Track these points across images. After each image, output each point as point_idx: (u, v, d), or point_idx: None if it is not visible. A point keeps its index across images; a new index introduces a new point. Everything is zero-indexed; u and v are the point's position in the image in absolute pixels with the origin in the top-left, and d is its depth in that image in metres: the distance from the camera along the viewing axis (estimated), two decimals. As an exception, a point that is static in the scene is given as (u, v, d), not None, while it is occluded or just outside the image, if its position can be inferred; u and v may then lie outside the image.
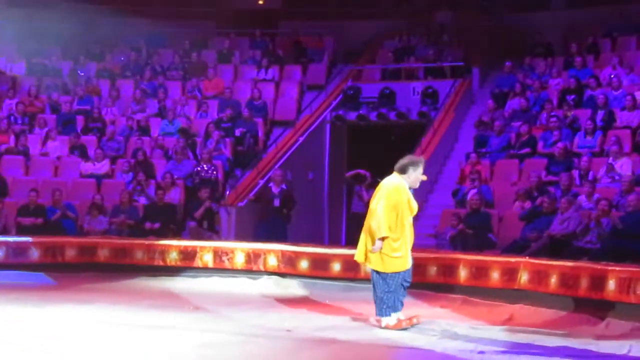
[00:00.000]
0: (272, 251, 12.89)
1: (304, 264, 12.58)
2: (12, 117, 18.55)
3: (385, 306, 8.83)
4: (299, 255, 12.67)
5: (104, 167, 17.23)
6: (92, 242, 14.06)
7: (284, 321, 9.20)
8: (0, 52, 20.89)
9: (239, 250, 13.18)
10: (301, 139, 18.70)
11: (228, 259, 13.18)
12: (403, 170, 9.07)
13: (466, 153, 16.83)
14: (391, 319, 8.81)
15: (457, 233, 13.80)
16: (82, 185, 16.90)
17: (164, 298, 11.16)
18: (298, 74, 21.37)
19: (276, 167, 17.26)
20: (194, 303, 10.62)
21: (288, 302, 11.11)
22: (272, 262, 12.87)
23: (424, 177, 9.20)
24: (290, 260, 12.70)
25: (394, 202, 8.85)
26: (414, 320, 8.91)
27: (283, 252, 12.81)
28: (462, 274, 11.25)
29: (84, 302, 10.47)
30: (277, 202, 15.57)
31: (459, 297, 11.09)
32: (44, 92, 20.01)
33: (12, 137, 17.89)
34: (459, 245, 13.51)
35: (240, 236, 15.54)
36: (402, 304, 8.96)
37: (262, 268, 12.95)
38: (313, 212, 19.00)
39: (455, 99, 19.32)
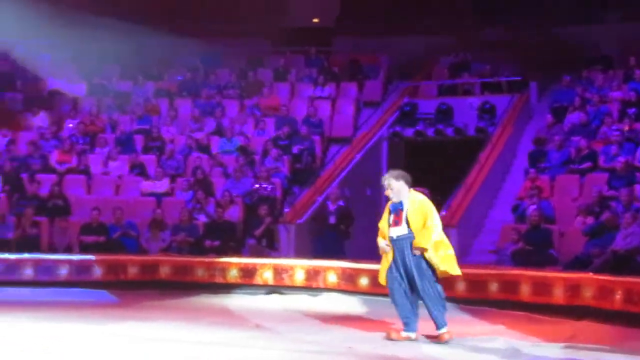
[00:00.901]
0: (332, 268, 12.92)
1: (363, 281, 12.58)
2: (73, 137, 18.85)
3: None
4: (358, 272, 12.67)
5: (163, 185, 17.41)
6: (153, 260, 14.22)
7: (345, 338, 9.18)
8: (61, 74, 21.25)
9: (299, 267, 13.23)
10: (358, 155, 18.71)
11: (288, 276, 13.24)
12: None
13: (525, 168, 16.70)
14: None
15: (518, 249, 13.68)
16: (142, 204, 17.09)
17: (224, 315, 11.21)
18: (354, 91, 21.41)
19: (334, 184, 17.30)
20: (254, 320, 10.66)
21: (348, 319, 11.09)
22: (332, 279, 12.89)
23: (388, 194, 9.09)
24: (350, 277, 12.72)
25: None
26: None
27: (343, 269, 12.83)
28: (524, 290, 11.16)
29: (146, 319, 10.57)
30: (332, 220, 15.62)
31: (521, 314, 10.99)
32: (104, 112, 20.30)
33: (74, 157, 18.17)
34: (520, 261, 13.38)
35: (300, 253, 15.58)
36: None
37: (322, 285, 12.99)
38: (372, 229, 18.86)
39: (513, 114, 19.20)
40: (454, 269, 8.97)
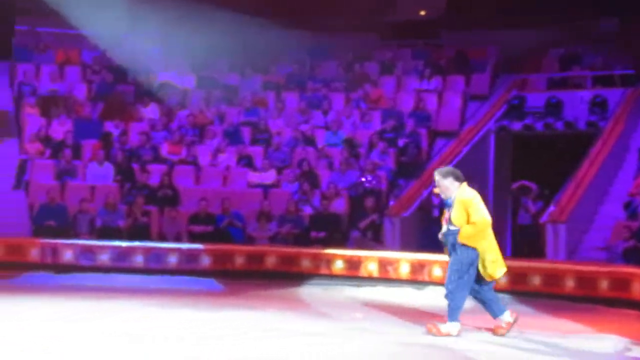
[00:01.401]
0: (438, 262, 12.83)
1: (469, 275, 12.43)
2: (183, 129, 19.21)
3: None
4: (464, 266, 12.54)
5: (270, 177, 17.60)
6: (260, 250, 14.39)
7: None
8: (171, 67, 21.66)
9: (404, 260, 13.21)
10: (465, 149, 18.52)
11: (393, 269, 13.22)
12: None
13: (637, 164, 16.28)
14: None
15: (630, 247, 13.34)
16: (249, 195, 17.32)
17: (327, 306, 11.25)
18: (461, 84, 21.21)
19: (439, 178, 17.14)
20: (356, 312, 10.67)
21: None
22: (438, 272, 12.82)
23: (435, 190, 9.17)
24: (455, 271, 12.58)
25: None
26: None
27: (440, 263, 12.72)
28: (636, 288, 10.88)
29: (252, 308, 10.70)
30: (436, 213, 15.52)
31: (631, 312, 10.73)
32: (213, 105, 20.61)
33: (184, 148, 18.51)
34: (632, 259, 13.04)
35: (405, 246, 15.53)
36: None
37: (427, 278, 12.93)
38: (477, 223, 18.74)
39: (626, 108, 18.69)
40: (494, 271, 8.81)
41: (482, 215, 8.74)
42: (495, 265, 8.78)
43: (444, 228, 8.95)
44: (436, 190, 9.08)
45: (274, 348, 7.83)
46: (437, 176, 8.97)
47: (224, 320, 9.55)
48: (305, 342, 8.28)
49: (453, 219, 8.80)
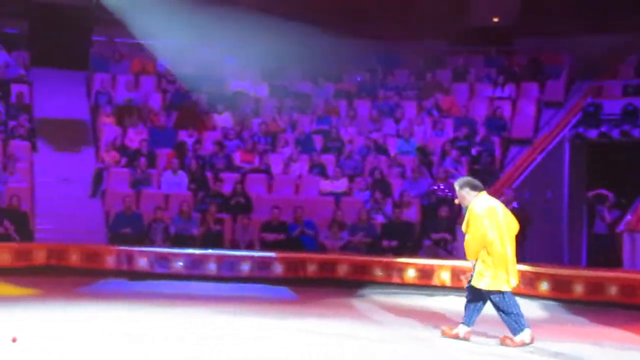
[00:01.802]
0: (511, 271, 12.67)
1: (544, 285, 12.30)
2: (255, 137, 19.34)
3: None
4: (539, 275, 12.42)
5: (342, 185, 17.62)
6: (332, 259, 14.41)
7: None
8: (244, 76, 21.84)
9: (477, 269, 13.05)
10: (539, 157, 18.30)
11: (466, 278, 13.06)
12: None
13: None
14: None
15: None
16: (321, 203, 17.36)
17: (398, 314, 11.22)
18: (535, 91, 20.96)
19: (514, 185, 17.00)
20: (428, 321, 10.61)
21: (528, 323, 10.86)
22: (511, 282, 12.62)
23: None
24: (530, 280, 12.46)
25: None
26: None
27: (522, 273, 12.55)
28: None
29: (324, 316, 10.72)
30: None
31: None
32: (285, 113, 20.73)
33: (256, 157, 18.65)
34: None
35: (477, 255, 15.37)
36: None
37: (500, 288, 12.75)
38: (551, 232, 18.51)
39: None
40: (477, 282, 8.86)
41: (479, 230, 8.78)
42: (480, 277, 8.80)
43: None
44: (457, 200, 9.30)
45: (344, 355, 7.83)
46: (456, 186, 9.21)
47: (295, 327, 9.58)
48: (373, 347, 8.29)
49: (462, 227, 9.02)
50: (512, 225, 9.00)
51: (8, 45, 21.73)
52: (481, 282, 8.81)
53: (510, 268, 8.86)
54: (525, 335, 8.76)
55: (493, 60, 22.65)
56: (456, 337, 8.99)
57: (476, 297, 8.94)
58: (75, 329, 8.85)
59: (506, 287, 8.85)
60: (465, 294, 9.09)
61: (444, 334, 9.14)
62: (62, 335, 8.37)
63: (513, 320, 8.80)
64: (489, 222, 8.78)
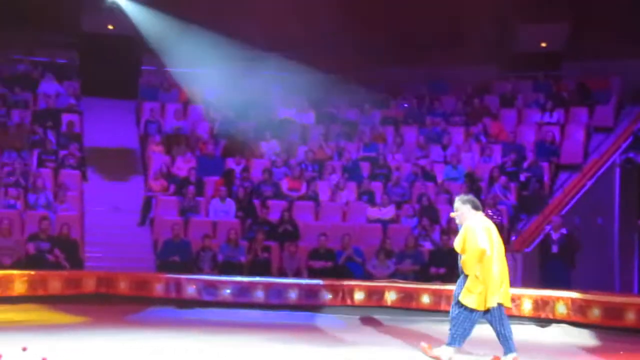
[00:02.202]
0: (561, 298, 12.54)
1: (595, 312, 12.11)
2: (303, 165, 19.38)
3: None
4: (590, 303, 12.22)
5: (389, 212, 17.56)
6: (380, 286, 14.32)
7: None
8: (291, 103, 21.94)
9: (526, 297, 12.93)
10: (589, 183, 18.10)
11: (515, 306, 12.93)
12: None
13: None
14: None
15: None
16: (368, 230, 17.32)
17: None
18: (584, 116, 20.77)
19: (563, 212, 16.83)
20: (477, 349, 10.49)
21: (579, 351, 10.72)
22: (562, 309, 12.51)
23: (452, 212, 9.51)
24: (580, 308, 12.28)
25: None
26: None
27: (573, 300, 12.42)
28: None
29: (373, 344, 10.67)
30: (555, 249, 15.26)
31: None
32: (332, 140, 20.75)
33: (304, 184, 18.67)
34: None
35: (527, 282, 15.24)
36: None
37: (550, 316, 12.61)
38: (601, 259, 18.26)
39: None
40: (464, 300, 9.11)
41: (474, 243, 8.99)
42: (480, 297, 9.01)
43: None
44: (453, 214, 9.43)
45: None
46: (457, 202, 9.36)
47: (345, 356, 9.54)
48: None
49: (455, 244, 9.23)
50: (501, 248, 9.23)
51: (59, 75, 22.12)
52: (468, 299, 9.03)
53: (495, 287, 9.01)
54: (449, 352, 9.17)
55: (541, 86, 22.52)
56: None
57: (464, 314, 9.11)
58: (124, 357, 8.89)
59: (493, 304, 9.03)
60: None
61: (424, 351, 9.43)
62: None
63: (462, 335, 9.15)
64: (486, 238, 9.00)
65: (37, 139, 19.34)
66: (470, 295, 9.03)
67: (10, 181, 17.56)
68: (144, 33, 21.36)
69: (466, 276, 9.12)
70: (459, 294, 9.16)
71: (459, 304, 9.15)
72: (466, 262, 9.07)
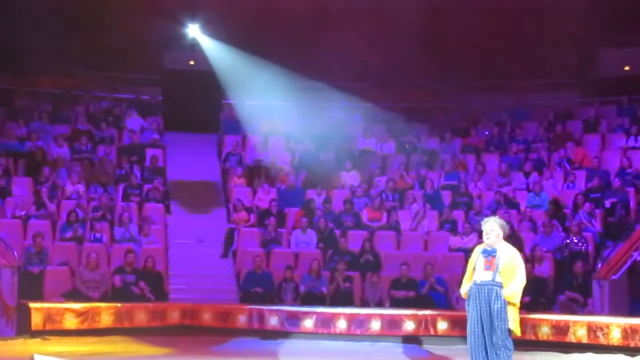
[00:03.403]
0: (651, 326, 12.23)
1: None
2: (383, 195, 19.35)
3: None
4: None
5: (472, 241, 17.33)
6: (462, 315, 14.10)
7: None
8: (371, 134, 21.97)
9: (615, 325, 12.64)
10: (678, 207, 17.66)
11: (603, 334, 12.68)
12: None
13: None
14: None
15: None
16: (451, 259, 17.16)
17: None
18: (671, 139, 20.31)
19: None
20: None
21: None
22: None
23: (487, 231, 9.20)
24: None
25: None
26: None
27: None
28: None
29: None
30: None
31: None
32: (413, 169, 20.68)
33: (384, 214, 18.62)
34: None
35: (615, 310, 14.89)
36: None
37: (640, 344, 12.31)
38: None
39: None
40: (518, 329, 9.13)
41: (524, 270, 9.10)
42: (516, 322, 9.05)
43: (477, 276, 9.10)
44: (486, 236, 9.20)
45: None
46: (495, 223, 9.23)
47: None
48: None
49: (503, 272, 8.98)
50: None
51: (143, 111, 22.57)
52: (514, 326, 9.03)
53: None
54: None
55: (625, 110, 22.10)
56: None
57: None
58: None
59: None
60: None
61: None
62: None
63: None
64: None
65: (123, 173, 19.74)
66: (517, 323, 9.07)
67: (97, 215, 17.94)
68: (223, 68, 21.69)
69: (503, 304, 8.99)
70: (501, 324, 9.00)
71: (508, 332, 9.03)
72: (519, 289, 9.02)
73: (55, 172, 19.16)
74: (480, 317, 9.10)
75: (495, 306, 8.99)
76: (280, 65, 20.66)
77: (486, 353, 9.16)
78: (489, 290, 9.04)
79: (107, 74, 22.89)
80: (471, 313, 9.19)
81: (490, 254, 9.14)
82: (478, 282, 9.13)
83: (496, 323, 9.00)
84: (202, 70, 22.29)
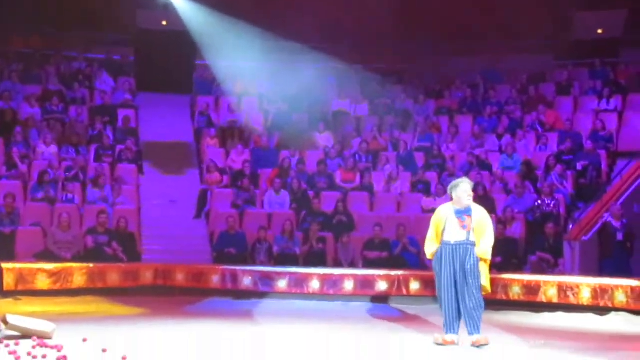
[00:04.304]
0: (621, 286, 12.36)
1: (656, 300, 11.92)
2: (357, 156, 19.37)
3: None
4: (649, 291, 12.04)
5: (444, 202, 17.38)
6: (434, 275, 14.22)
7: None
8: (345, 95, 21.95)
9: (585, 285, 12.77)
10: (648, 169, 17.80)
11: (573, 294, 12.81)
12: (450, 197, 9.55)
13: None
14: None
15: None
16: (423, 220, 17.10)
17: (508, 331, 11.01)
18: (643, 103, 20.46)
19: (622, 199, 16.58)
20: (534, 338, 10.40)
21: (636, 340, 10.57)
22: (621, 297, 12.32)
23: (468, 192, 9.38)
24: (638, 296, 12.09)
25: (430, 226, 9.55)
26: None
27: (632, 288, 12.23)
28: None
29: (427, 332, 10.61)
30: (620, 236, 15.03)
31: None
32: (386, 131, 20.70)
33: (358, 175, 18.66)
34: None
35: (585, 271, 15.07)
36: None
37: (609, 304, 12.44)
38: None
39: None
40: (489, 285, 9.44)
41: (492, 228, 9.41)
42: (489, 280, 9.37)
43: (451, 237, 9.24)
44: (468, 196, 9.38)
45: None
46: (470, 184, 9.55)
47: (401, 344, 9.54)
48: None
49: (477, 231, 9.23)
50: None
51: (115, 71, 22.39)
52: (486, 282, 9.29)
53: None
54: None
55: (598, 73, 22.20)
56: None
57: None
58: (183, 346, 8.97)
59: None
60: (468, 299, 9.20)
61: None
62: (169, 353, 8.49)
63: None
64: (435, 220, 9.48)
65: (95, 134, 19.61)
66: (488, 280, 9.34)
67: (70, 175, 17.84)
68: (197, 28, 21.52)
69: (477, 261, 9.22)
70: (475, 282, 9.19)
71: (480, 290, 9.23)
72: (491, 246, 9.29)
73: (27, 133, 19.01)
74: (455, 277, 9.19)
75: (469, 264, 9.15)
76: (254, 25, 20.53)
77: (459, 313, 9.26)
78: (465, 250, 9.19)
79: (78, 33, 22.65)
80: (444, 274, 9.28)
81: (464, 213, 9.28)
82: (452, 242, 9.25)
83: (470, 281, 9.13)
84: (174, 30, 22.15)
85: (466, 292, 9.15)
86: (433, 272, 9.55)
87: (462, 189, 9.37)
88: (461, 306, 9.21)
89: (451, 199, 9.52)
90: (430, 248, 9.50)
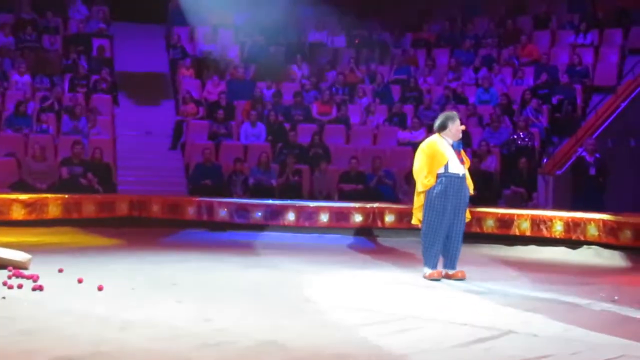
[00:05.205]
0: (593, 220, 12.50)
1: (627, 234, 12.06)
2: (333, 88, 19.32)
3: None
4: (621, 225, 12.17)
5: (420, 135, 17.46)
6: (410, 208, 14.31)
7: (607, 292, 8.85)
8: (322, 27, 21.77)
9: (558, 219, 12.90)
10: (623, 105, 17.87)
11: (546, 228, 12.94)
12: (443, 128, 9.27)
13: None
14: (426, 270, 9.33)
15: None
16: (399, 153, 17.30)
17: (481, 264, 11.13)
18: (619, 38, 20.44)
19: (595, 134, 16.69)
20: (507, 270, 10.53)
21: (609, 272, 10.72)
22: (593, 231, 12.47)
23: (463, 127, 9.43)
24: (611, 230, 12.24)
25: (425, 157, 9.19)
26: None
27: (604, 222, 12.37)
28: None
29: (401, 266, 10.72)
30: (592, 171, 15.15)
31: None
32: (363, 63, 20.62)
33: (334, 108, 18.63)
34: None
35: (558, 204, 15.22)
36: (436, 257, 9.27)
37: (581, 237, 12.60)
38: (635, 181, 18.14)
39: None
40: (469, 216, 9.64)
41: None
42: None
43: (457, 169, 9.15)
44: (460, 131, 9.33)
45: (417, 299, 7.85)
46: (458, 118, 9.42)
47: (372, 276, 9.63)
48: (447, 295, 8.29)
49: (466, 164, 9.30)
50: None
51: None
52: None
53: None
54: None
55: (576, 7, 22.10)
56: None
57: None
58: (159, 277, 9.02)
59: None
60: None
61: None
62: (145, 283, 8.54)
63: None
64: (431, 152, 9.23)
65: (69, 63, 19.40)
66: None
67: (45, 105, 17.69)
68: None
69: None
70: (464, 217, 9.40)
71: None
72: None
73: (1, 62, 18.77)
74: (455, 209, 9.17)
75: (467, 198, 9.33)
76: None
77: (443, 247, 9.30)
78: (463, 183, 9.25)
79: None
80: (449, 208, 9.12)
81: (456, 148, 9.25)
82: (461, 174, 9.19)
83: (461, 216, 9.26)
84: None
85: (458, 224, 9.21)
86: (424, 205, 9.22)
87: (456, 122, 9.26)
88: (448, 238, 9.22)
89: (439, 130, 9.24)
90: (427, 180, 9.10)
